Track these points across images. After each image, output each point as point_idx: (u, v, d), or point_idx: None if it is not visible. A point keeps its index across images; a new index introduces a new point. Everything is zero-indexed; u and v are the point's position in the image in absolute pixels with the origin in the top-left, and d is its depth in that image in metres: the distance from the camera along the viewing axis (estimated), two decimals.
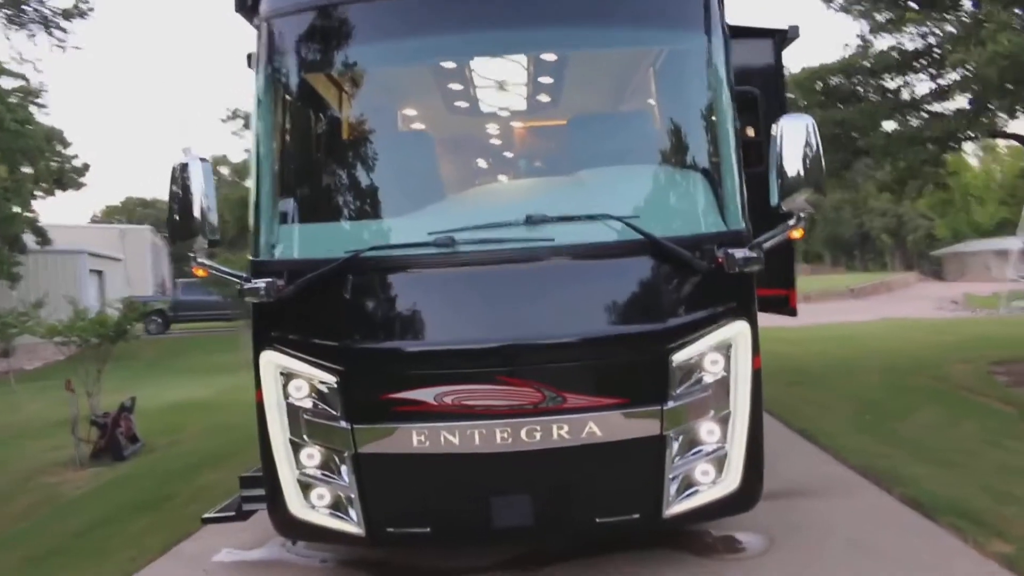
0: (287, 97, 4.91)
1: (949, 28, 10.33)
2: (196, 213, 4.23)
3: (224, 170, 45.26)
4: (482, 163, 5.43)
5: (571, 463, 4.36)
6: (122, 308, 13.70)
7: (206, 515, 5.37)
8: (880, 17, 11.46)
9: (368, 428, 4.37)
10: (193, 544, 6.06)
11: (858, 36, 12.17)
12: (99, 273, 30.82)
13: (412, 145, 5.49)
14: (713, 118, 4.72)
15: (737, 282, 4.51)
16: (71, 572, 5.84)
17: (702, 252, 4.42)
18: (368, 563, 5.27)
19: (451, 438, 4.30)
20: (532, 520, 4.40)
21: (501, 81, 5.34)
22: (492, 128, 5.69)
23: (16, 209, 24.27)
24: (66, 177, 32.79)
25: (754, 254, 4.35)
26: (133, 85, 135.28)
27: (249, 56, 5.44)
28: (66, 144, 33.81)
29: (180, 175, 4.26)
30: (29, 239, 25.97)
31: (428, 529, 4.46)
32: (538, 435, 4.29)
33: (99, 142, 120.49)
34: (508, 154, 5.17)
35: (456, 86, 5.43)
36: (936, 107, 11.84)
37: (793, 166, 4.23)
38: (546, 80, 5.41)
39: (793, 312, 7.72)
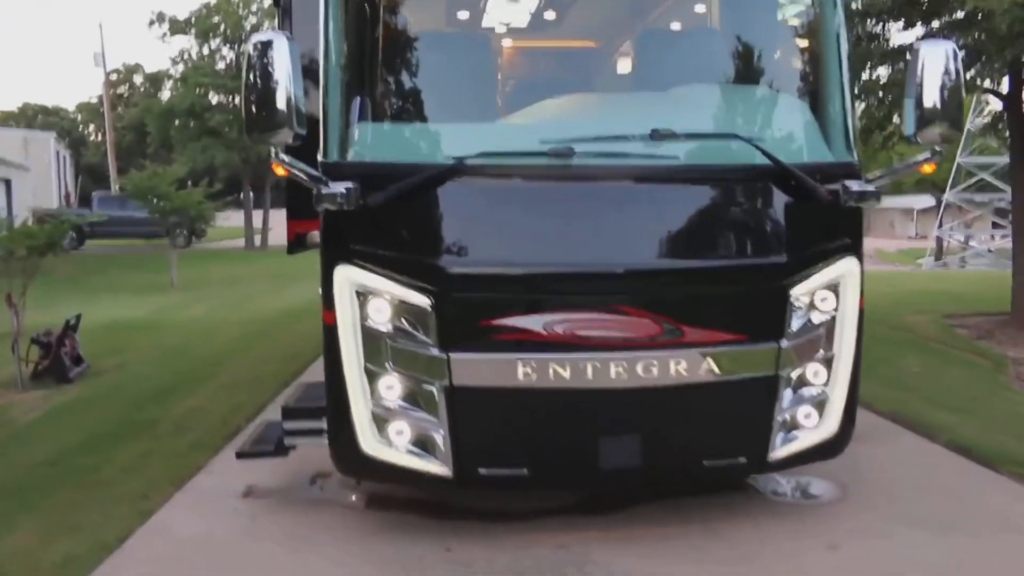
0: None
1: None
2: (280, 101, 3.58)
3: (138, 79, 42.60)
4: (593, 72, 4.87)
5: (685, 402, 4.05)
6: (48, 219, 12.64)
7: (240, 450, 4.83)
8: None
9: (466, 357, 3.90)
10: (209, 479, 5.48)
11: None
12: (6, 183, 28.43)
13: (518, 47, 4.91)
14: (829, 41, 4.40)
15: (850, 217, 4.27)
16: (72, 511, 5.14)
17: (819, 183, 4.11)
18: (401, 501, 4.83)
19: (561, 371, 3.88)
20: (641, 462, 4.06)
21: None
22: (603, 36, 5.14)
23: None
24: None
25: (871, 188, 4.10)
26: None
27: None
28: None
29: (260, 56, 3.59)
30: None
31: (525, 471, 4.05)
32: (655, 370, 3.94)
33: None
34: (620, 64, 4.65)
35: None
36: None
37: (931, 96, 3.93)
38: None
39: None
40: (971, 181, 29.15)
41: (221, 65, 26.63)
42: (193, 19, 25.95)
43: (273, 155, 3.67)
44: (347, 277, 3.98)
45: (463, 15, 4.71)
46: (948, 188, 29.93)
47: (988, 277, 21.36)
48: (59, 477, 5.79)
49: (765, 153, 3.98)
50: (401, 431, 4.03)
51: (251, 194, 28.51)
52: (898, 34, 11.97)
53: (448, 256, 3.94)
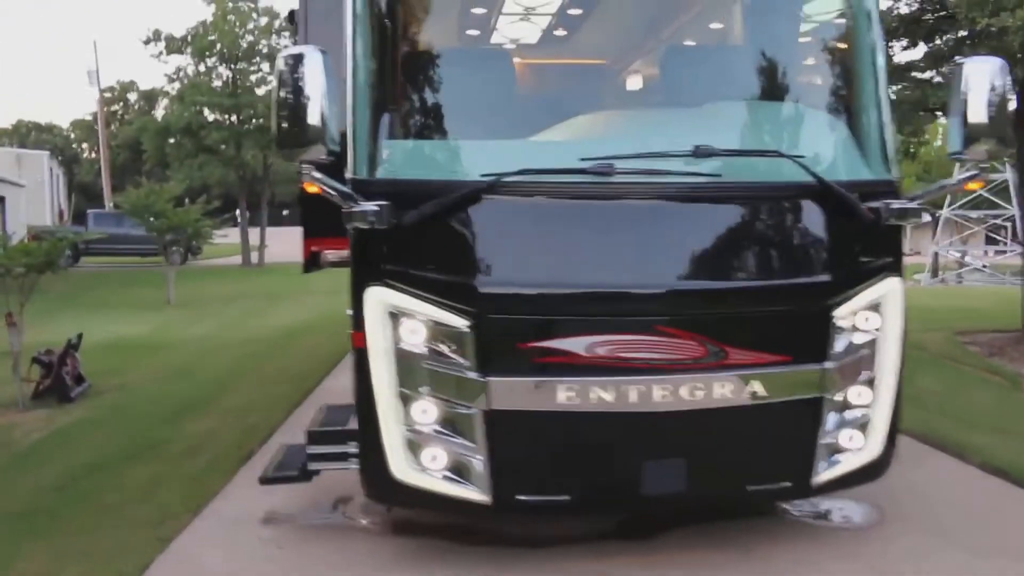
0: None
1: None
2: (313, 117, 3.46)
3: (132, 96, 42.44)
4: (621, 88, 4.77)
5: (730, 425, 3.92)
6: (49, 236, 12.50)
7: (263, 475, 4.65)
8: None
9: (506, 381, 3.76)
10: (227, 504, 5.30)
11: None
12: (0, 200, 28.20)
13: (545, 63, 4.82)
14: (866, 57, 4.34)
15: (891, 235, 4.20)
16: (83, 538, 4.95)
17: (861, 200, 4.03)
18: (427, 526, 4.67)
19: (604, 395, 3.75)
20: (684, 487, 3.93)
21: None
22: (632, 52, 5.05)
23: None
24: None
25: (914, 205, 4.06)
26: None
27: None
28: None
29: (291, 70, 3.47)
30: None
31: (567, 497, 3.91)
32: (700, 393, 3.81)
33: None
34: (650, 80, 4.56)
35: None
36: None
37: (977, 112, 3.86)
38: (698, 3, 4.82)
39: None
40: (968, 198, 29.23)
41: (218, 83, 26.50)
42: (189, 37, 25.85)
43: (305, 172, 3.54)
44: (379, 298, 3.85)
45: (488, 31, 4.61)
46: (945, 205, 30.00)
47: (991, 293, 21.37)
48: (67, 501, 5.62)
49: (809, 171, 3.89)
50: (436, 456, 3.89)
51: (247, 211, 28.33)
52: (900, 52, 11.86)
53: (486, 276, 3.82)
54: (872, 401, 4.22)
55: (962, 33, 10.51)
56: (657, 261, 3.86)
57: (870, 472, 4.34)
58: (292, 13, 6.36)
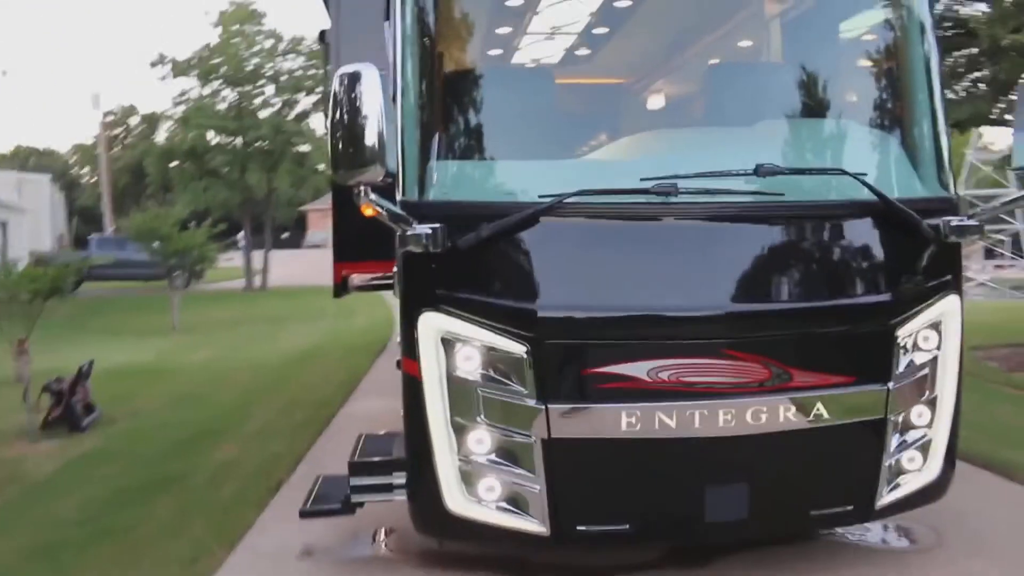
0: None
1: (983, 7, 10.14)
2: (370, 137, 3.35)
3: (134, 120, 42.44)
4: (679, 104, 4.67)
5: (794, 449, 3.81)
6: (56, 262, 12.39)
7: (304, 509, 4.49)
8: None
9: (566, 408, 3.64)
10: (262, 538, 5.12)
11: None
12: (2, 225, 28.02)
13: (594, 83, 4.72)
14: (923, 69, 4.26)
15: (950, 253, 4.11)
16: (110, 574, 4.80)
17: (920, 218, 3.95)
18: (473, 558, 4.49)
19: (667, 420, 3.62)
20: (747, 513, 3.81)
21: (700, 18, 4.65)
22: (688, 67, 4.96)
23: None
24: None
25: (974, 222, 3.99)
26: (27, 23, 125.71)
27: None
28: None
29: (347, 90, 3.36)
30: None
31: (627, 526, 3.78)
32: (764, 417, 3.70)
33: None
34: (707, 96, 4.48)
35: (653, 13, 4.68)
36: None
37: None
38: (745, 20, 4.74)
39: None
40: (970, 212, 29.17)
41: (222, 106, 26.47)
42: (195, 60, 25.86)
43: (362, 195, 3.42)
44: (433, 324, 3.73)
45: (535, 50, 4.52)
46: None
47: (997, 308, 21.26)
48: (92, 537, 5.43)
49: (872, 189, 3.81)
50: (492, 487, 3.75)
51: (250, 235, 28.22)
52: None
53: (545, 300, 3.69)
54: (932, 421, 4.14)
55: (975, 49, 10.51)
56: (720, 282, 3.75)
57: (930, 494, 4.25)
58: (323, 33, 6.28)
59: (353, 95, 3.36)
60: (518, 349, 3.63)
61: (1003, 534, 4.83)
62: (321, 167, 28.19)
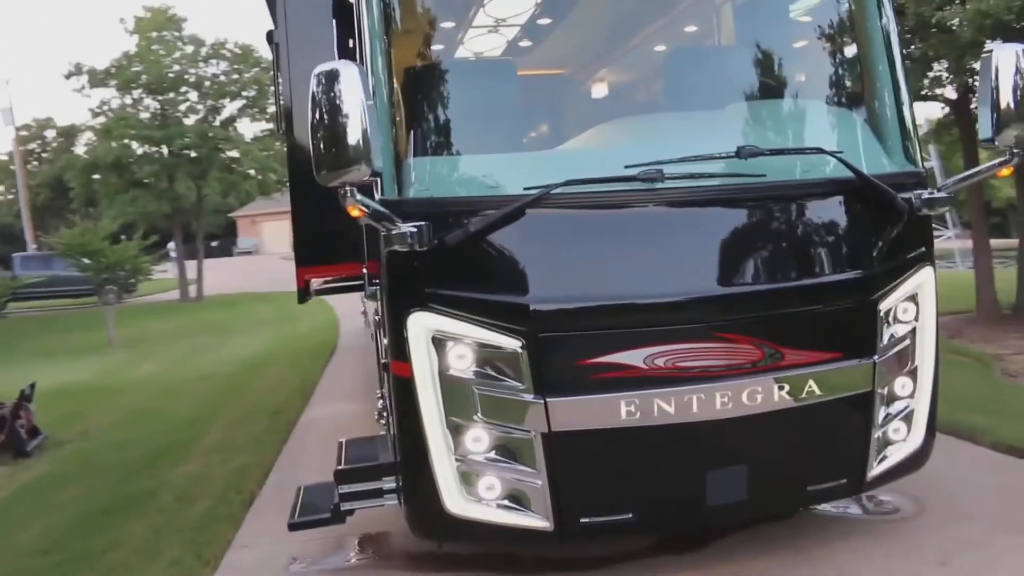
0: None
1: None
2: (352, 136, 3.25)
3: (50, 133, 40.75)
4: (659, 90, 4.63)
5: (789, 426, 3.86)
6: None
7: (293, 520, 4.38)
8: None
9: (565, 401, 3.62)
10: (245, 554, 4.97)
11: None
12: None
13: (581, 67, 4.68)
14: (886, 51, 4.34)
15: (923, 225, 4.23)
16: None
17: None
18: (465, 558, 4.46)
19: (666, 407, 3.63)
20: (746, 494, 3.85)
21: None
22: (666, 52, 4.93)
23: None
24: None
25: (944, 194, 4.10)
26: None
27: None
28: None
29: (326, 89, 3.25)
30: None
31: (630, 515, 3.77)
32: (759, 397, 3.74)
33: None
34: (684, 80, 4.46)
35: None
36: None
37: (1006, 99, 3.88)
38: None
39: None
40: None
41: (145, 115, 25.58)
42: (113, 69, 24.91)
43: (348, 195, 3.32)
44: (424, 324, 3.66)
45: (503, 41, 4.46)
46: None
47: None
48: (61, 566, 5.21)
49: (850, 167, 3.87)
50: (492, 485, 3.71)
51: (181, 244, 27.42)
52: None
53: (537, 293, 3.65)
54: (914, 391, 4.23)
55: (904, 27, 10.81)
56: (709, 265, 3.77)
57: (914, 462, 4.35)
58: (271, 33, 6.10)
59: (332, 94, 3.25)
60: (513, 344, 3.59)
61: (980, 498, 4.99)
62: (252, 172, 27.55)
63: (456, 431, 3.68)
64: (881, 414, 4.10)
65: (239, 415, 9.31)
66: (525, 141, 4.18)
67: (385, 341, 4.03)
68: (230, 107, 26.94)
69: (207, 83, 26.21)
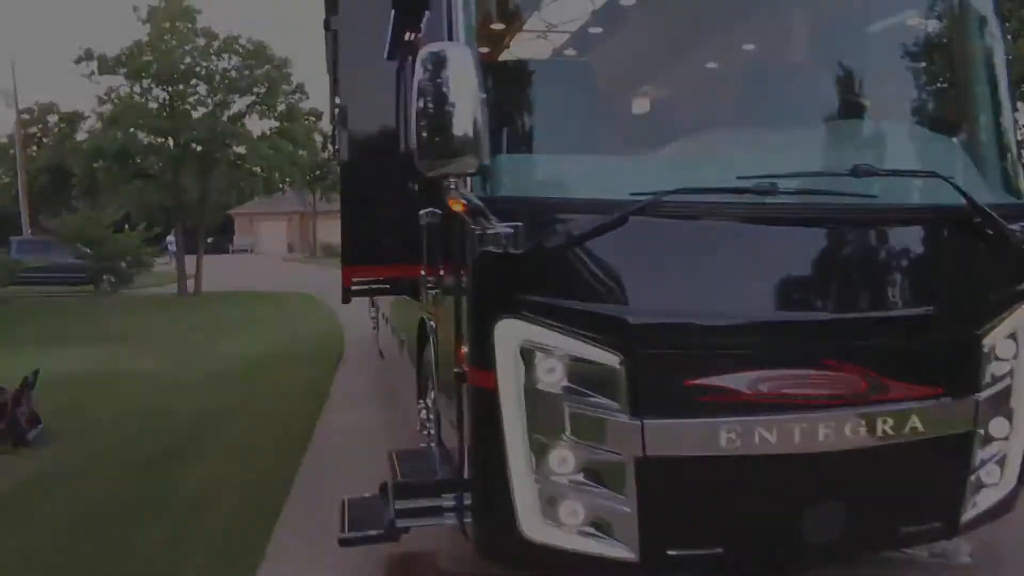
0: None
1: None
2: (462, 124, 3.02)
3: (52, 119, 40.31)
4: (763, 102, 4.41)
5: (889, 463, 3.64)
6: None
7: (344, 535, 4.11)
8: None
9: (663, 424, 3.36)
10: (281, 569, 4.69)
11: None
12: None
13: (686, 72, 4.46)
14: (997, 73, 4.18)
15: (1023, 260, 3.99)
16: None
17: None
18: None
19: (767, 435, 3.39)
20: (843, 533, 3.63)
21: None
22: (772, 64, 4.72)
23: None
24: None
25: None
26: None
27: None
28: None
29: (433, 73, 3.03)
30: None
31: (720, 550, 3.52)
32: (862, 430, 3.51)
33: None
34: (789, 94, 4.27)
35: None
36: None
37: None
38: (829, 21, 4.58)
39: None
40: None
41: (153, 105, 25.27)
42: (123, 57, 24.61)
43: (453, 188, 3.08)
44: (512, 333, 3.40)
45: (642, 34, 4.26)
46: None
47: None
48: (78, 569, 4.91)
49: (964, 194, 3.68)
50: (575, 510, 3.45)
51: (183, 237, 27.01)
52: None
53: (640, 306, 3.40)
54: (1010, 433, 4.02)
55: None
56: (819, 287, 3.57)
57: (1002, 508, 4.13)
58: (327, 21, 5.92)
59: (440, 79, 3.02)
60: (611, 360, 3.35)
61: None
62: (257, 169, 27.27)
63: (540, 449, 3.42)
64: (979, 455, 3.90)
65: (250, 418, 9.01)
66: (623, 145, 3.95)
67: (443, 348, 3.76)
68: (239, 103, 26.67)
69: (217, 77, 25.93)
